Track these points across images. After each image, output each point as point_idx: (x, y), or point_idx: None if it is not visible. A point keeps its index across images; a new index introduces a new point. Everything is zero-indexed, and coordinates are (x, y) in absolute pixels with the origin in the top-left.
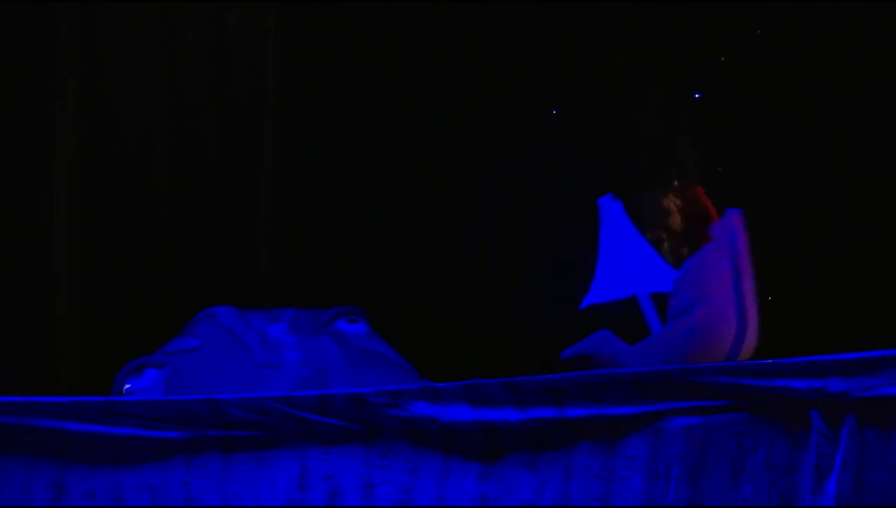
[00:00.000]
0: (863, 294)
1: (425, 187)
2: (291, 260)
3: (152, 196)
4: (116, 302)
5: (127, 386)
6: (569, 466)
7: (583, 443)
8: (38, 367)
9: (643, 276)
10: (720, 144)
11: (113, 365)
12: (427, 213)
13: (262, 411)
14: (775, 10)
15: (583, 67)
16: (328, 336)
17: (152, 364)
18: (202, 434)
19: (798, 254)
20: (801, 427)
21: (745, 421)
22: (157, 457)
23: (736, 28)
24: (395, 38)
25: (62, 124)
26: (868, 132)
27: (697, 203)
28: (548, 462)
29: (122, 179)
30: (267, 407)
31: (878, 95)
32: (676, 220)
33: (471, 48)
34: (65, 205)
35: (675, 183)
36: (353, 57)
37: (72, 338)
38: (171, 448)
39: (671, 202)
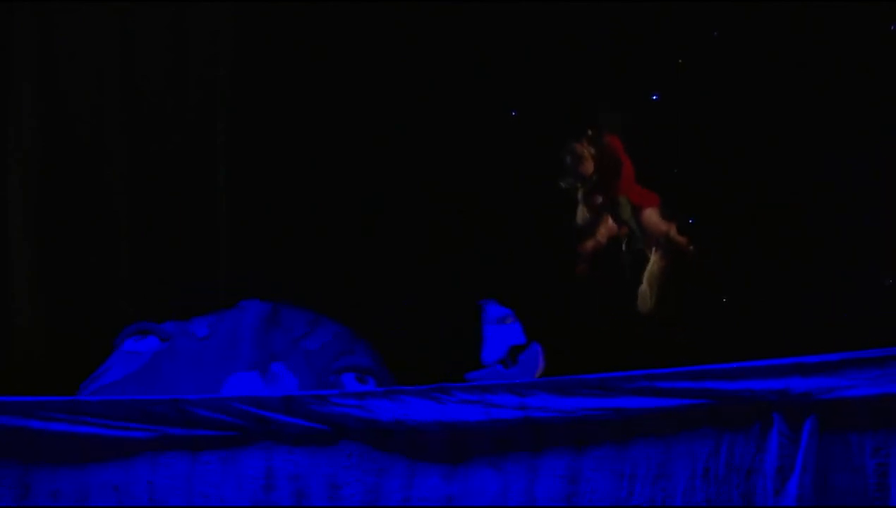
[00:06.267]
0: (825, 295)
1: (390, 186)
2: (249, 264)
3: (113, 204)
4: (77, 311)
5: (125, 345)
6: (534, 466)
7: (548, 444)
8: None
9: None
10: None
11: (72, 373)
12: (394, 213)
13: (228, 411)
14: (730, 12)
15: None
16: (324, 385)
17: (158, 333)
18: (167, 434)
19: (758, 256)
20: (764, 429)
21: (708, 424)
22: (122, 456)
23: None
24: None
25: (17, 130)
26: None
27: (611, 152)
28: (513, 462)
29: (80, 186)
30: (233, 408)
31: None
32: (589, 166)
33: (436, 46)
34: (21, 211)
35: (589, 132)
36: (316, 57)
37: (32, 347)
38: (136, 447)
39: (585, 149)
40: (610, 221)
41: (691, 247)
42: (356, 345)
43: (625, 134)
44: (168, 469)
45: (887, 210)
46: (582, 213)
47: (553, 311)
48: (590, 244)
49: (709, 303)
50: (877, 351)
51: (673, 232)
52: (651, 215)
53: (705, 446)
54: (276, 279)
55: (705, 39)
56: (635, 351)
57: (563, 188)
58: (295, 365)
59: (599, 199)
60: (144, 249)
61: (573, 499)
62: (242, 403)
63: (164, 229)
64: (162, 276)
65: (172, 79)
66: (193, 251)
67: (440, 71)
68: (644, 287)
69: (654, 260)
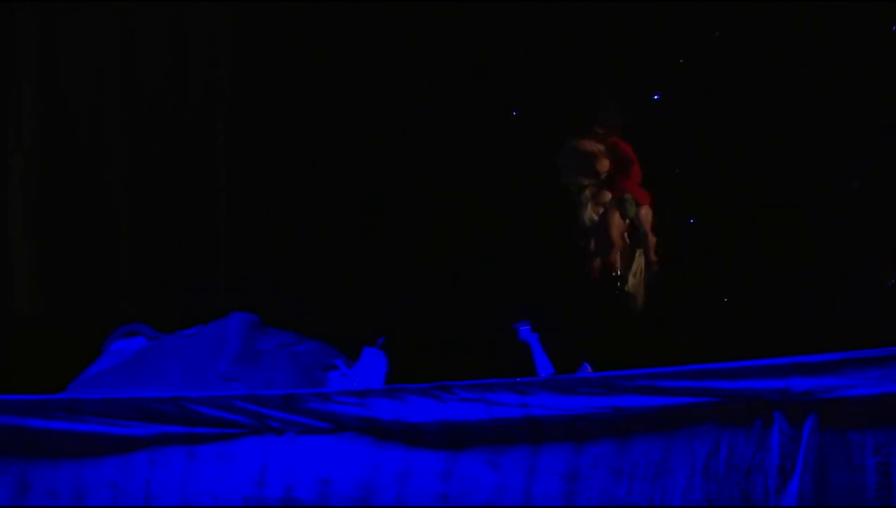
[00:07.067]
0: (825, 295)
1: (390, 186)
2: (249, 264)
3: (113, 204)
4: (77, 311)
5: (113, 345)
6: (532, 465)
7: (547, 442)
8: None
9: None
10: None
11: (72, 373)
12: (394, 213)
13: (229, 408)
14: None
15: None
16: (310, 380)
17: (146, 333)
18: (165, 432)
19: (758, 256)
20: (765, 427)
21: (708, 422)
22: (120, 454)
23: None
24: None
25: (17, 130)
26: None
27: (619, 148)
28: (511, 461)
29: (80, 186)
30: (233, 405)
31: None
32: (605, 164)
33: (436, 46)
34: (21, 211)
35: (596, 130)
36: (316, 57)
37: (32, 347)
38: (134, 445)
39: (595, 147)
40: (617, 218)
41: (655, 268)
42: (341, 357)
43: (625, 132)
44: (164, 467)
45: (887, 210)
46: (591, 212)
47: (553, 311)
48: (615, 254)
49: (709, 303)
50: (878, 350)
51: (652, 245)
52: (648, 213)
53: (705, 444)
54: (276, 279)
55: (706, 39)
56: (635, 351)
57: (574, 185)
58: (281, 362)
59: (608, 197)
60: (144, 249)
61: (571, 498)
62: (242, 401)
63: (164, 229)
64: (162, 276)
65: (172, 79)
66: (193, 251)
67: (440, 71)
68: (634, 282)
69: (640, 258)
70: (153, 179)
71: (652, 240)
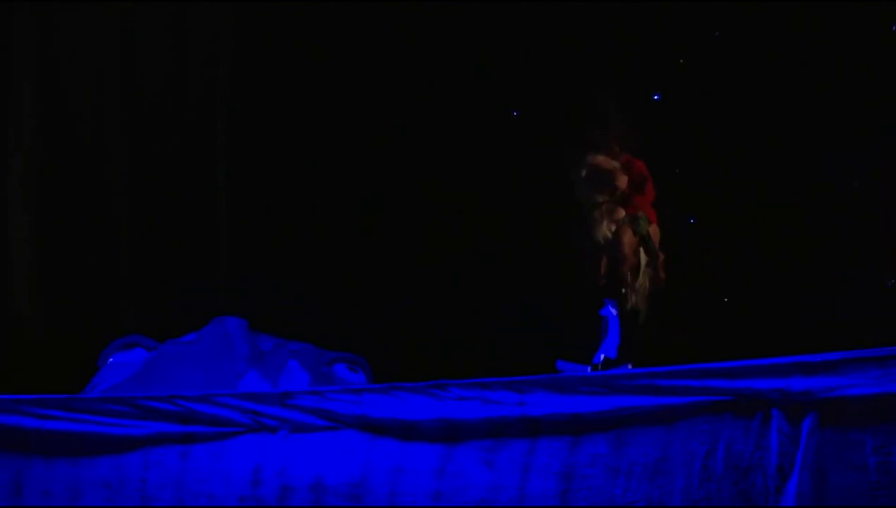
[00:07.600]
0: (825, 295)
1: (390, 186)
2: (249, 264)
3: (113, 204)
4: (77, 311)
5: (112, 358)
6: (528, 464)
7: (543, 441)
8: None
9: None
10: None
11: (72, 373)
12: (394, 213)
13: (225, 406)
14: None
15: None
16: (320, 375)
17: (144, 344)
18: (161, 431)
19: (758, 256)
20: (764, 427)
21: (707, 421)
22: (116, 454)
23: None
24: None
25: (17, 130)
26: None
27: (634, 166)
28: (507, 459)
29: (80, 186)
30: (230, 403)
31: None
32: (624, 181)
33: (436, 46)
34: (21, 211)
35: (615, 148)
36: (316, 57)
37: (32, 347)
38: (130, 444)
39: (612, 164)
40: (630, 235)
41: (662, 285)
42: (331, 352)
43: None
44: (159, 467)
45: (887, 210)
46: (605, 229)
47: (553, 311)
48: (625, 270)
49: (709, 303)
50: (877, 350)
51: (661, 262)
52: (656, 231)
53: (704, 443)
54: (276, 279)
55: (706, 39)
56: (635, 351)
57: (589, 202)
58: (285, 361)
59: (622, 213)
60: (144, 249)
61: (567, 497)
62: (238, 398)
63: (164, 229)
64: (162, 276)
65: (172, 79)
66: (193, 251)
67: (440, 71)
68: (637, 298)
69: (644, 275)
70: (153, 179)
71: (661, 257)
